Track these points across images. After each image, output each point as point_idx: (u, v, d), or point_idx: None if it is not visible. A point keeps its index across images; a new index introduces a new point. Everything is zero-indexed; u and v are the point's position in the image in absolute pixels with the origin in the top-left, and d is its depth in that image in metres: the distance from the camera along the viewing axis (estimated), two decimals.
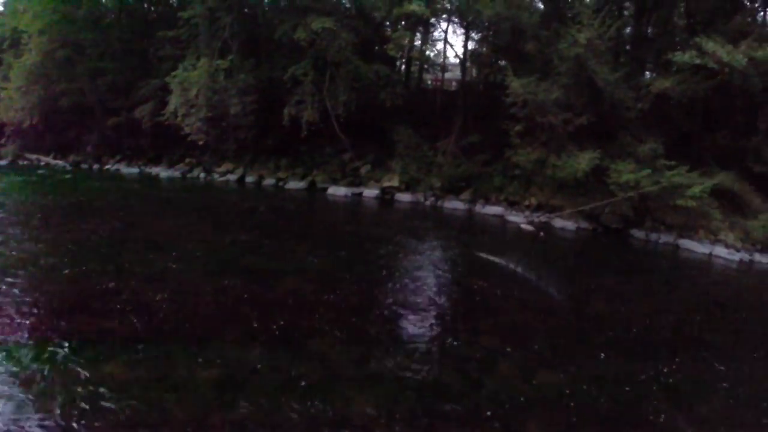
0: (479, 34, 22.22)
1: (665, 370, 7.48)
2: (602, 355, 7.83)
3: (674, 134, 15.67)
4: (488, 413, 6.17)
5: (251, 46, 22.29)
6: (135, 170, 23.14)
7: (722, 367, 7.76)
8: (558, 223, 16.51)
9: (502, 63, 20.51)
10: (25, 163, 26.47)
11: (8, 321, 7.75)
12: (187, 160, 23.02)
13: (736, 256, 14.12)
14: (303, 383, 6.53)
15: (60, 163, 25.49)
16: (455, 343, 8.14)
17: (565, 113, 16.59)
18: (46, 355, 6.86)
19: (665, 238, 15.32)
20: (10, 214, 14.81)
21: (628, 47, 19.74)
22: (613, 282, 11.71)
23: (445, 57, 23.60)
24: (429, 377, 7.00)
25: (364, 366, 7.19)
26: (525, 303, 9.88)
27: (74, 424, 5.55)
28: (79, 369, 6.50)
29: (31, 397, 5.99)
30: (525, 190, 17.99)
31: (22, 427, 5.47)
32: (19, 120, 25.10)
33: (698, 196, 14.26)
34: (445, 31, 23.50)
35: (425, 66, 23.80)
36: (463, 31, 21.91)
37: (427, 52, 23.56)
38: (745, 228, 14.82)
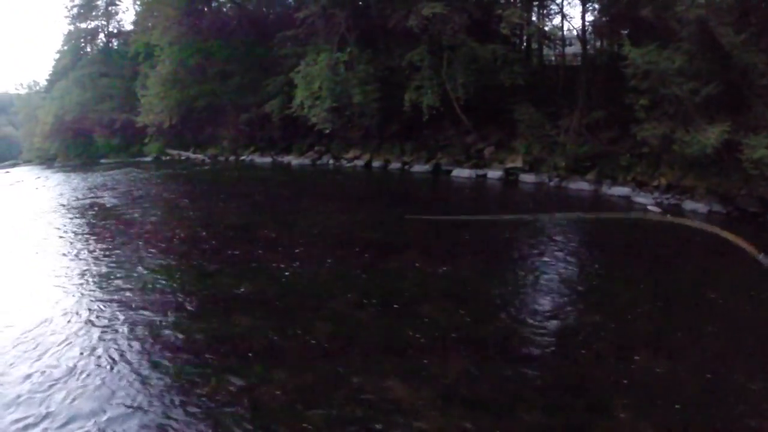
0: (597, 4, 21.45)
1: None
2: (710, 348, 7.04)
3: None
4: (572, 387, 6.10)
5: (368, 38, 23.26)
6: (268, 160, 25.28)
7: None
8: (688, 205, 15.16)
9: (624, 32, 19.69)
10: (168, 158, 29.67)
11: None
12: (316, 148, 24.75)
13: None
14: (406, 342, 7.00)
15: (199, 156, 28.30)
16: (558, 317, 8.07)
17: (691, 82, 15.05)
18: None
19: None
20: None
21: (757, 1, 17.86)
22: (738, 274, 10.07)
23: (563, 30, 23.01)
24: (522, 345, 7.11)
25: (464, 330, 7.47)
26: (632, 283, 9.34)
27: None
28: (213, 318, 7.83)
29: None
30: (654, 170, 16.82)
31: None
32: (160, 122, 28.15)
33: None
34: (560, 5, 22.99)
35: (545, 42, 23.36)
36: (579, 1, 21.31)
37: (544, 27, 23.09)
38: None
